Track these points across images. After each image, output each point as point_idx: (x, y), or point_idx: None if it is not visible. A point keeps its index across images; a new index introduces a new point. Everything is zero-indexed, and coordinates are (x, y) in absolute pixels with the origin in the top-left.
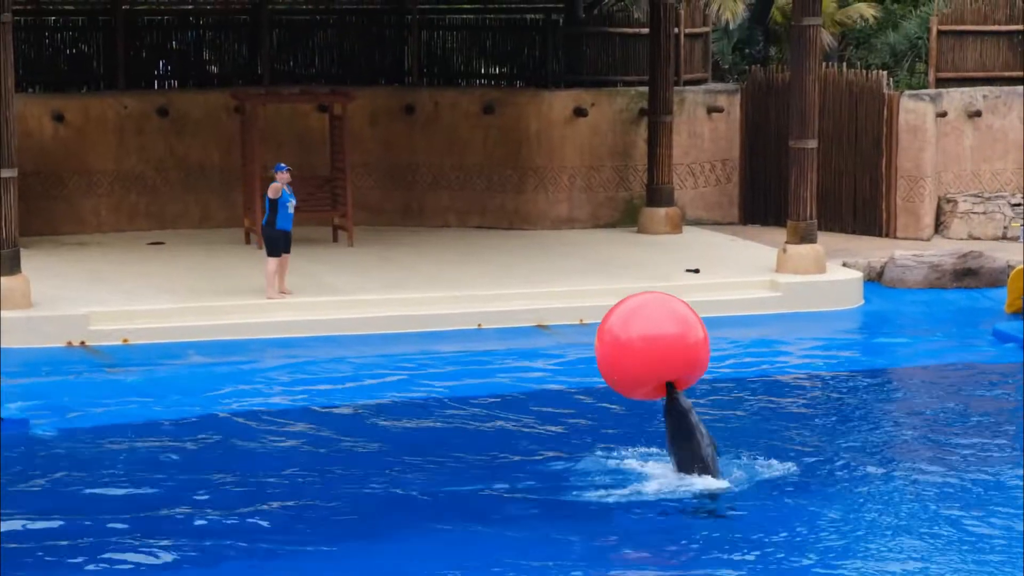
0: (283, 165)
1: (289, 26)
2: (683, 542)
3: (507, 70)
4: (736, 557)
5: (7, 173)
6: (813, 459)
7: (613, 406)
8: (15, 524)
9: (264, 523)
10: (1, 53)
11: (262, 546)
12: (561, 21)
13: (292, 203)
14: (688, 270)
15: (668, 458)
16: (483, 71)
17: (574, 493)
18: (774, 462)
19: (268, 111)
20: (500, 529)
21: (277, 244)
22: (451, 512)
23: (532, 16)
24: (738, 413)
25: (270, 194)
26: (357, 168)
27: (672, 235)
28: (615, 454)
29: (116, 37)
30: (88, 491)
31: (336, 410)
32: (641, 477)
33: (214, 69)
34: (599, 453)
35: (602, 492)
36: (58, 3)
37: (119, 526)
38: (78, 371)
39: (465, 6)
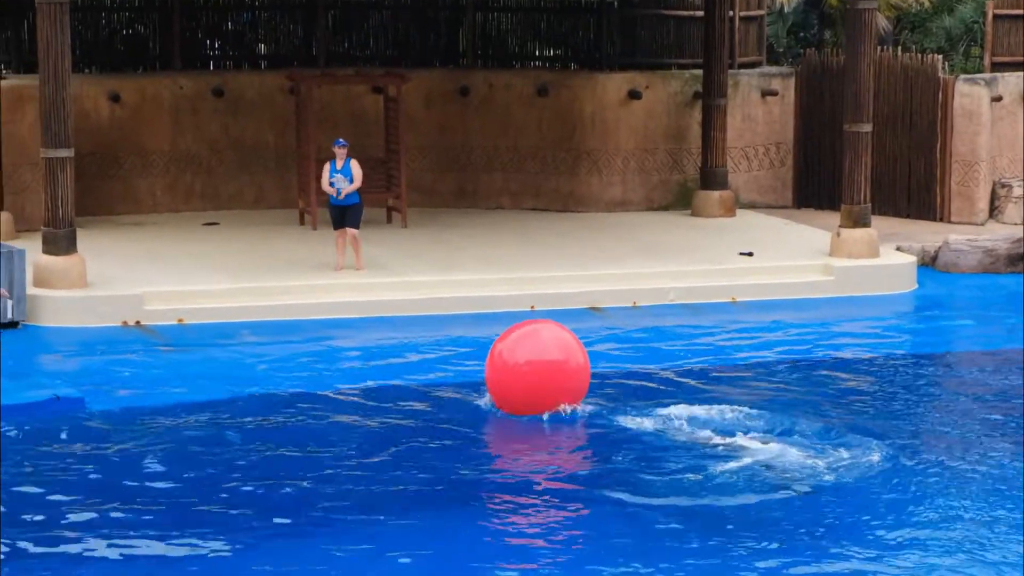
0: (340, 140)
1: (344, 7)
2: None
3: (561, 52)
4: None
5: (64, 153)
6: (878, 442)
7: (687, 380)
8: (73, 502)
9: (324, 500)
10: (58, 34)
11: (320, 520)
12: (616, 3)
13: (338, 177)
14: (741, 253)
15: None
16: (537, 53)
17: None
18: (841, 447)
19: (323, 92)
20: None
21: (332, 218)
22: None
23: None
24: (795, 396)
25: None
26: (411, 150)
27: (725, 218)
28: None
29: (172, 18)
30: (143, 470)
31: (385, 389)
32: (728, 456)
33: (265, 49)
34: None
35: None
36: None
37: (172, 503)
38: (133, 351)
39: None
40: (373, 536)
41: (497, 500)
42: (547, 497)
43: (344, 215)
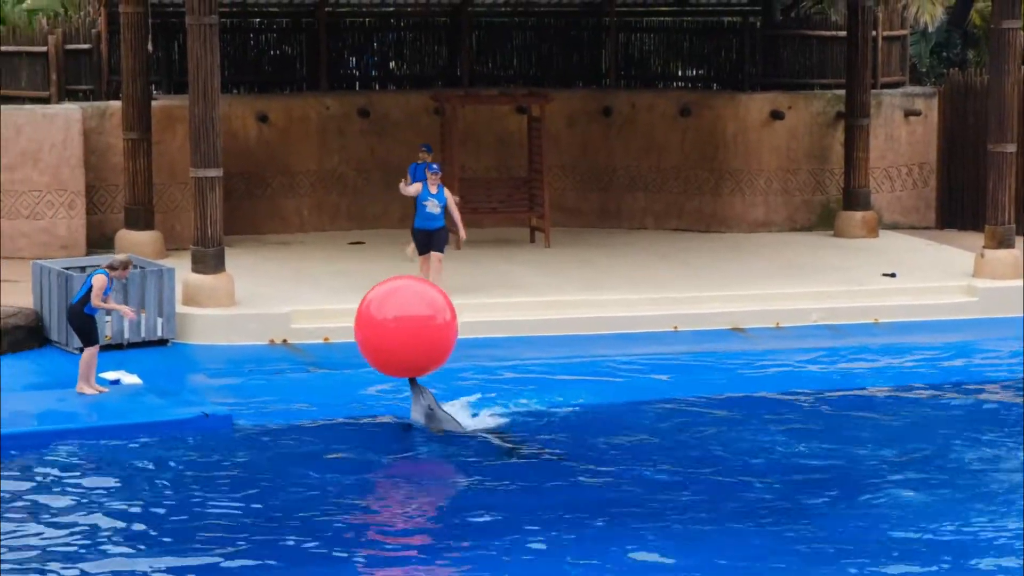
0: (434, 166)
1: (488, 28)
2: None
3: (704, 72)
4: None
5: (213, 173)
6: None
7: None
8: (218, 515)
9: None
10: (208, 54)
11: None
12: (758, 24)
13: (431, 202)
14: (885, 274)
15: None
16: (680, 73)
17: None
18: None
19: (467, 112)
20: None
21: (418, 243)
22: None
23: (729, 19)
24: (938, 416)
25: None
26: (554, 169)
27: (868, 239)
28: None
29: (319, 39)
30: (288, 488)
31: (541, 409)
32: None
33: (410, 69)
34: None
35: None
36: (263, 5)
37: (320, 519)
38: (280, 369)
39: (663, 9)
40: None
41: None
42: None
43: (431, 240)
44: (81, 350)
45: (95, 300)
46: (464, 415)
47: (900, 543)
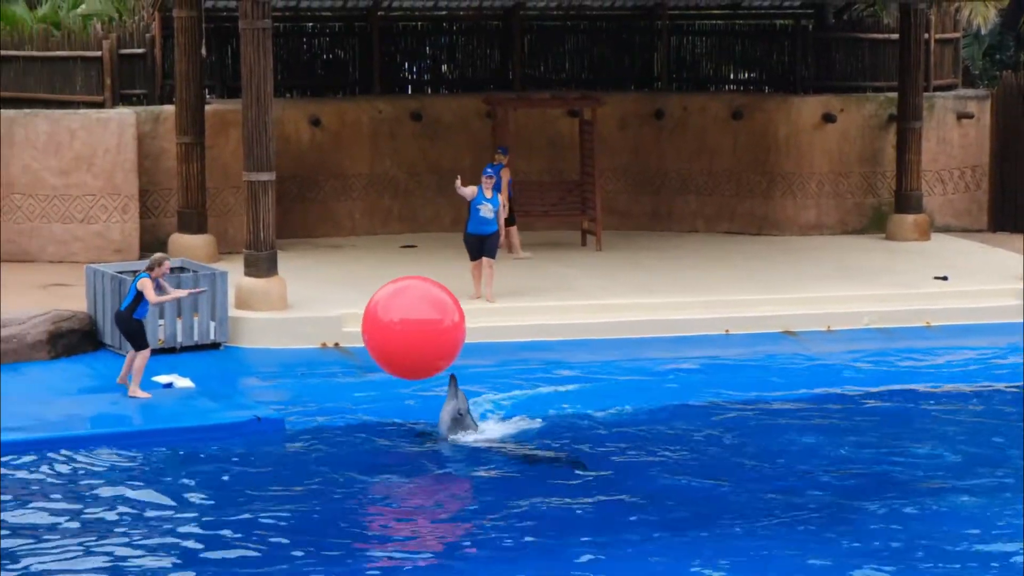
0: (488, 171)
1: (540, 31)
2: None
3: (756, 75)
4: None
5: (266, 176)
6: None
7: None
8: (267, 518)
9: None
10: (261, 59)
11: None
12: (810, 26)
13: (485, 207)
14: (937, 277)
15: None
16: (732, 76)
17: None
18: None
19: (519, 116)
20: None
21: (469, 247)
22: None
23: (781, 22)
24: (991, 419)
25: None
26: (606, 172)
27: (920, 242)
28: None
29: (371, 43)
30: (338, 492)
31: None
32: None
33: (462, 73)
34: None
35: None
36: (316, 10)
37: (369, 523)
38: (332, 372)
39: (715, 11)
40: None
41: None
42: None
43: (483, 245)
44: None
45: (151, 299)
46: (495, 423)
47: (954, 547)
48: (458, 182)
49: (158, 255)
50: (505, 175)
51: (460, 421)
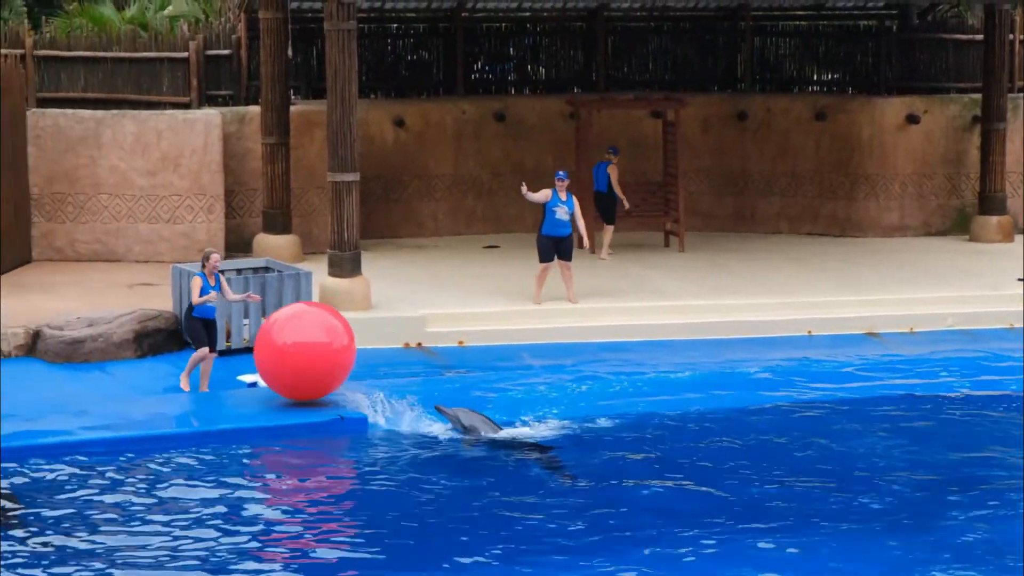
0: (562, 173)
1: (624, 33)
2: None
3: (839, 76)
4: None
5: (350, 177)
6: None
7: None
8: (351, 516)
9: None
10: (346, 60)
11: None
12: (894, 27)
13: (561, 209)
14: (1020, 279)
15: None
16: (815, 77)
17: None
18: None
19: (602, 117)
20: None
21: (543, 250)
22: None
23: (865, 22)
24: None
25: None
26: (689, 174)
27: (1004, 244)
28: None
29: (455, 44)
30: (418, 491)
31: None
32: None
33: (545, 74)
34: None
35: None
36: (400, 11)
37: (450, 524)
38: (415, 372)
39: (798, 12)
40: None
41: None
42: None
43: (559, 247)
44: (220, 354)
45: (194, 300)
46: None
47: None
48: (524, 188)
49: (207, 250)
50: (613, 173)
51: (475, 430)
